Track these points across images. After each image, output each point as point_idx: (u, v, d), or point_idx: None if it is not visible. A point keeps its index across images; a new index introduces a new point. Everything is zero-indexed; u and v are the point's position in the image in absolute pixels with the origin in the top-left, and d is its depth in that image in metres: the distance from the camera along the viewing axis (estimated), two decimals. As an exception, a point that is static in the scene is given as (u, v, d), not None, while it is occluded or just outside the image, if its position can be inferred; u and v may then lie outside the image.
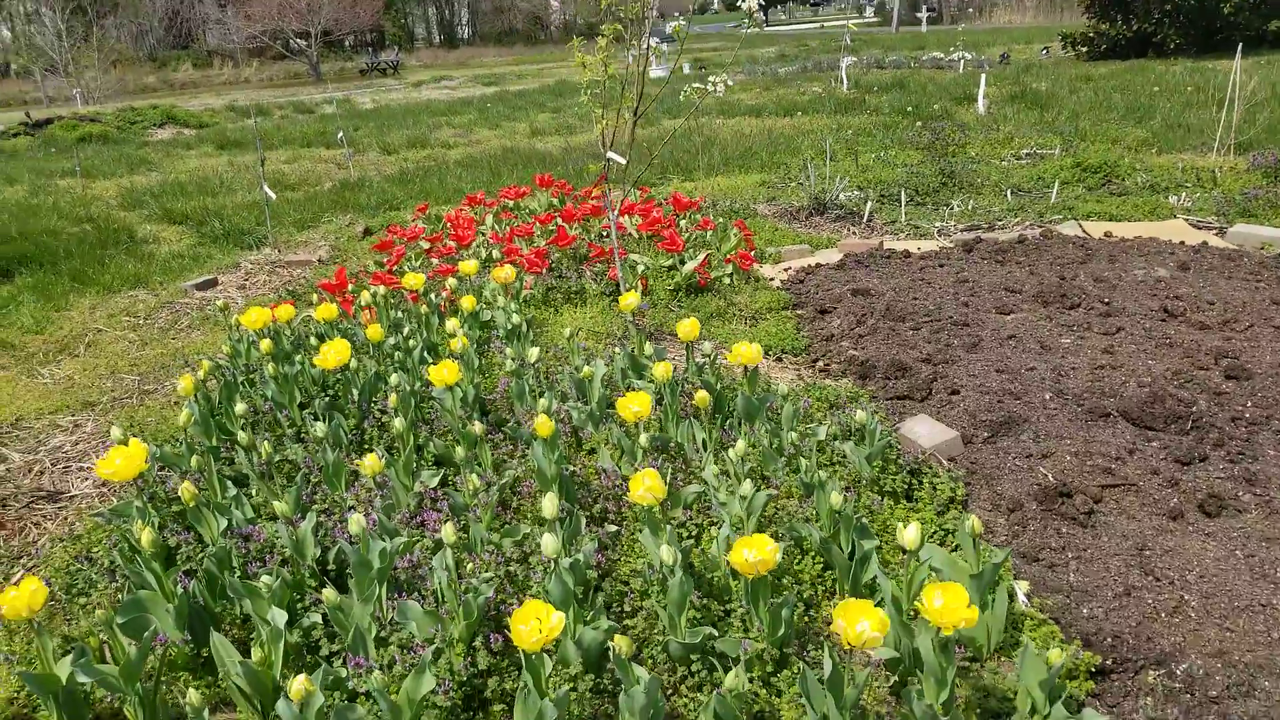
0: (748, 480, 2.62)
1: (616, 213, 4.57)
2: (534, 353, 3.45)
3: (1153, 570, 2.66)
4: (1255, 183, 7.56)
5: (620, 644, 2.01)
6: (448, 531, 2.28)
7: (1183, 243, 5.94)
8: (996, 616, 2.43)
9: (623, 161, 4.45)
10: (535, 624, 1.95)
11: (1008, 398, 3.71)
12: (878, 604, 2.64)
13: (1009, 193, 7.78)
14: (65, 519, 3.31)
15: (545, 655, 2.06)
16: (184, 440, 3.15)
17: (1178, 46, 18.70)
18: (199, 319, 5.62)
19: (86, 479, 3.58)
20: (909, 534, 2.28)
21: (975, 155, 9.60)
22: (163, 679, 2.31)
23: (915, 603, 2.49)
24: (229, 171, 11.55)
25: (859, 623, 1.94)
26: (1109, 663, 2.32)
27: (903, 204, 7.41)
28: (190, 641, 2.38)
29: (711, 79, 4.18)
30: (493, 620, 2.36)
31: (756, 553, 2.21)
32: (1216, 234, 6.31)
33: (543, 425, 2.83)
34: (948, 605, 1.96)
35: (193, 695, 1.89)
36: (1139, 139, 9.92)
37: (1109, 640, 2.38)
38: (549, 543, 2.19)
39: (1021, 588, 2.60)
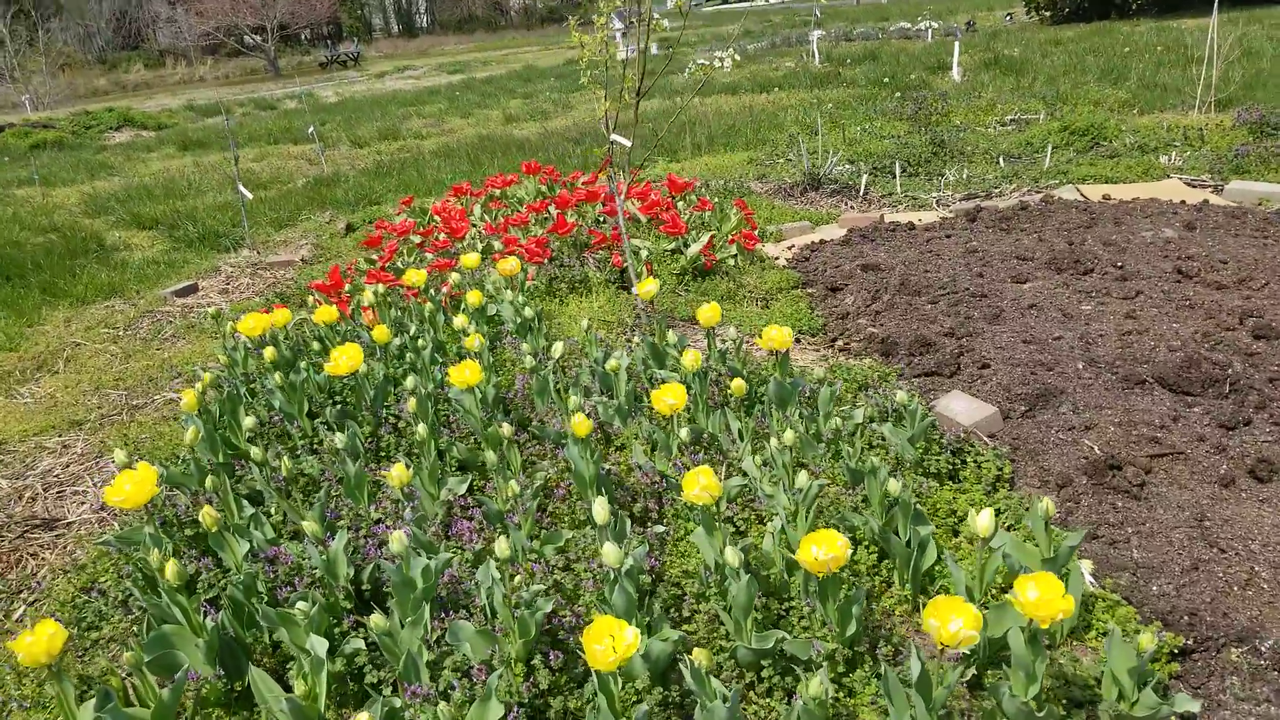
0: (803, 471, 2.49)
1: (624, 197, 4.40)
2: (558, 347, 3.30)
3: (1216, 542, 2.58)
4: (1243, 139, 7.54)
5: (700, 657, 1.88)
6: (501, 546, 2.14)
7: (1183, 202, 5.89)
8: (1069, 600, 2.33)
9: (628, 144, 4.29)
10: (609, 642, 1.81)
11: (1040, 369, 3.62)
12: (936, 594, 2.56)
13: (1001, 160, 7.71)
14: (65, 548, 3.12)
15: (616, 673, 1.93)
16: (190, 458, 2.98)
17: (1140, 7, 18.77)
18: (183, 327, 5.39)
19: (83, 504, 3.39)
20: (982, 521, 2.17)
21: (960, 124, 9.52)
22: (195, 718, 2.16)
23: (991, 592, 2.41)
24: (195, 173, 11.21)
25: (952, 621, 1.82)
26: (1189, 642, 2.23)
27: (897, 176, 7.31)
28: (222, 676, 2.22)
29: (718, 54, 4.02)
30: (548, 635, 2.22)
31: (827, 549, 2.09)
32: (1213, 192, 6.27)
33: (579, 424, 2.69)
34: (1043, 597, 1.85)
35: (244, 741, 1.74)
36: (1119, 100, 9.89)
37: (1186, 618, 2.30)
38: (610, 552, 2.05)
39: (1086, 567, 2.49)
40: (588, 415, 3.19)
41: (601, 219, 5.85)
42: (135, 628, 2.58)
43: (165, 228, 8.01)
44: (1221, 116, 8.51)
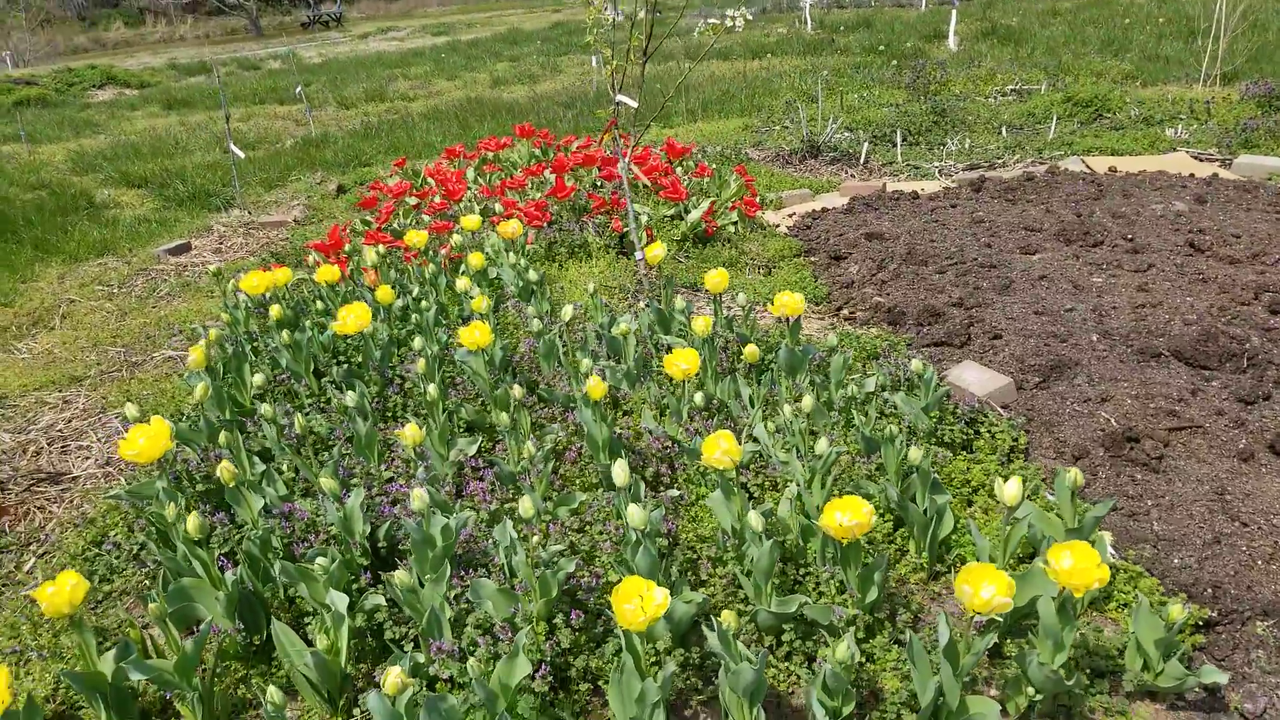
0: (824, 438, 2.46)
1: (629, 160, 4.32)
2: (568, 310, 3.24)
3: (1238, 515, 2.57)
4: (1250, 113, 7.50)
5: (728, 619, 1.85)
6: (525, 506, 2.10)
7: (1192, 175, 5.86)
8: (1090, 570, 2.32)
9: (634, 105, 4.20)
10: (639, 602, 1.78)
11: (1053, 340, 3.60)
12: (952, 562, 2.55)
13: (1003, 130, 7.64)
14: (72, 502, 3.07)
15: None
16: (198, 415, 2.92)
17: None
18: (178, 285, 5.29)
19: (88, 459, 3.32)
20: (1009, 490, 2.14)
21: (959, 93, 9.44)
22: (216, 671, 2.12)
23: (1009, 563, 2.39)
24: (182, 131, 10.99)
25: (985, 588, 1.80)
26: (1214, 614, 2.23)
27: (898, 144, 7.24)
28: (242, 630, 2.19)
29: (729, 13, 3.93)
30: (567, 595, 2.19)
31: (851, 515, 2.06)
32: (1221, 166, 6.24)
33: (594, 387, 2.64)
34: (1078, 566, 1.83)
35: (273, 692, 1.71)
36: (1122, 72, 9.82)
37: (1209, 591, 2.29)
38: (635, 513, 2.02)
39: (1107, 539, 2.48)
40: (598, 379, 3.14)
41: (599, 183, 5.77)
42: (149, 581, 2.54)
43: (155, 186, 7.85)
44: (1228, 90, 8.46)
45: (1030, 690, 1.98)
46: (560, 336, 3.47)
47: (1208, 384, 3.24)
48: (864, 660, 2.12)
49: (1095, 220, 4.97)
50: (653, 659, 2.08)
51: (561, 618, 2.09)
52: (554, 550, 2.22)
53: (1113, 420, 3.04)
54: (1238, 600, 2.25)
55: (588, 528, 2.50)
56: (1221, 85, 8.71)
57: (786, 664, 2.14)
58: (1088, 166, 6.32)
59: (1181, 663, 2.04)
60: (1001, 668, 2.16)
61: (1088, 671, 2.09)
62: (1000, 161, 6.72)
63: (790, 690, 2.10)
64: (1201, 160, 6.40)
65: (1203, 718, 2.01)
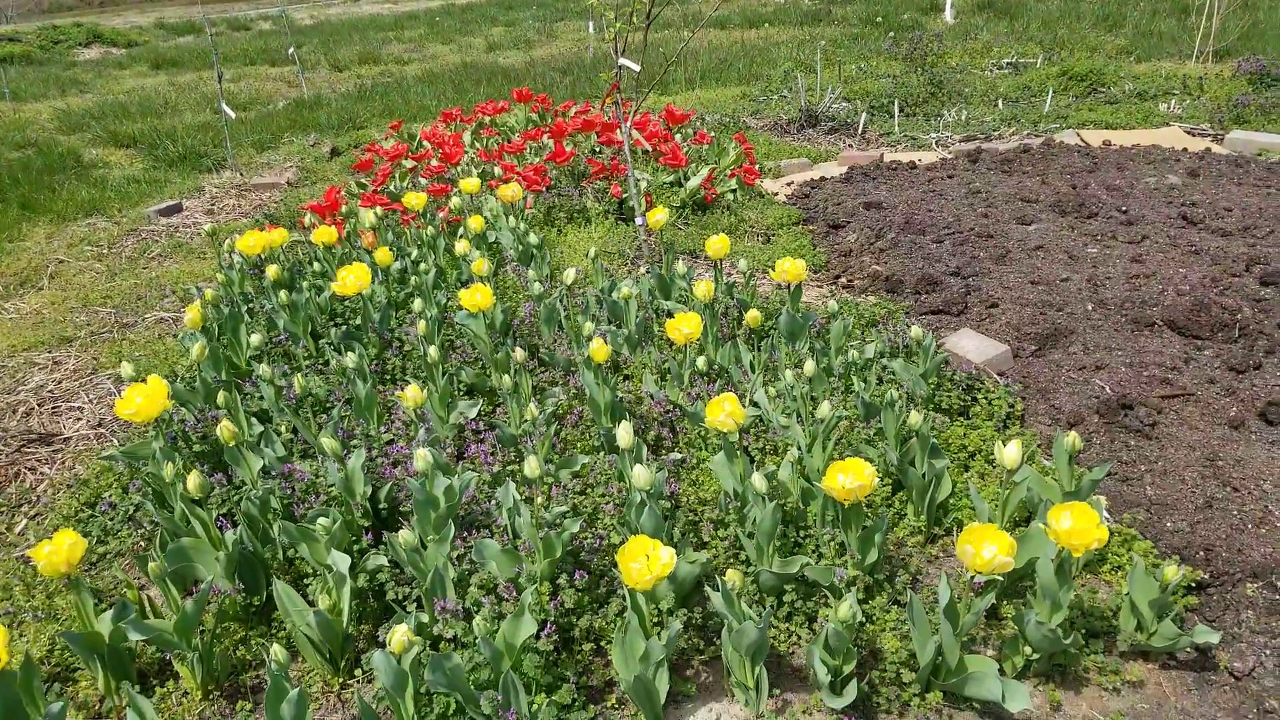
0: (825, 402, 2.47)
1: (630, 125, 4.29)
2: (570, 274, 3.23)
3: (1229, 481, 2.61)
4: (1242, 89, 7.51)
5: (733, 578, 1.87)
6: (531, 466, 2.10)
7: (1185, 150, 5.87)
8: (1086, 533, 2.35)
9: (636, 69, 4.16)
10: (645, 561, 1.80)
11: (1049, 309, 3.61)
12: (950, 526, 2.58)
13: (999, 102, 7.62)
14: (64, 463, 3.05)
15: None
16: (193, 375, 2.90)
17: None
18: (170, 246, 5.24)
19: (79, 420, 3.31)
20: (1009, 453, 2.17)
21: (956, 65, 9.39)
22: (216, 632, 2.13)
23: (1005, 525, 2.42)
24: (171, 91, 10.83)
25: (986, 548, 1.83)
26: (1206, 576, 2.27)
27: (895, 115, 7.22)
28: (242, 590, 2.19)
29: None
30: (571, 556, 2.21)
31: (854, 478, 2.08)
32: (1213, 141, 6.25)
33: (598, 350, 2.65)
34: (1077, 526, 1.86)
35: (278, 650, 1.71)
36: (1117, 47, 9.81)
37: (1201, 553, 2.33)
38: (641, 474, 2.03)
39: (1102, 503, 2.52)
40: (599, 343, 3.14)
41: (598, 149, 5.73)
42: (144, 543, 2.54)
43: (144, 146, 7.75)
44: (1220, 66, 8.46)
45: (1028, 649, 2.02)
46: (561, 301, 3.46)
47: (1200, 353, 3.27)
48: (864, 620, 2.15)
49: (1090, 192, 4.98)
50: (656, 619, 2.10)
51: (565, 578, 2.10)
52: (557, 511, 2.23)
53: (1107, 388, 3.07)
54: (1229, 563, 2.29)
55: (590, 490, 2.51)
56: (1214, 62, 8.71)
57: (787, 624, 2.17)
58: (1083, 140, 6.32)
59: (1175, 623, 2.07)
60: (998, 628, 2.19)
61: (1083, 632, 2.12)
62: (997, 133, 6.71)
63: (791, 650, 2.13)
64: (1194, 135, 6.41)
65: (1194, 676, 2.05)
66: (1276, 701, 1.96)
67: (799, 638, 2.13)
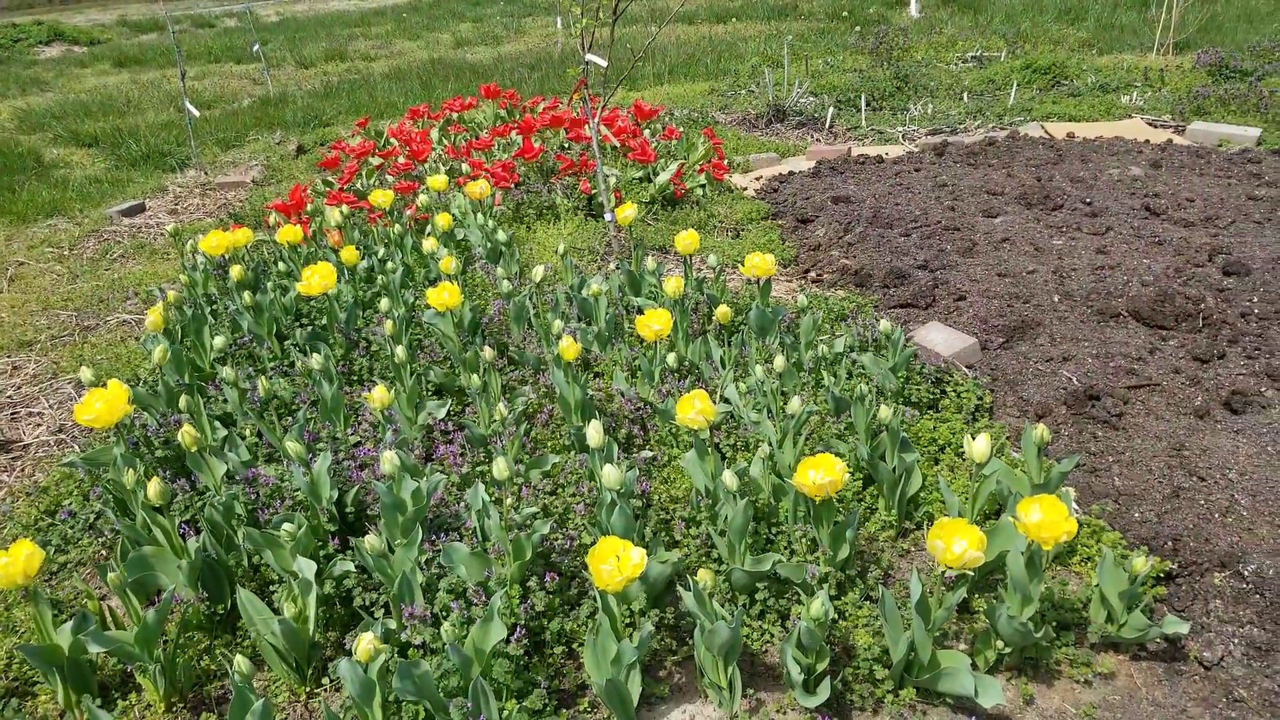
0: (796, 397, 2.47)
1: (597, 121, 4.27)
2: (539, 271, 3.20)
3: (1195, 470, 2.64)
4: (1202, 81, 7.61)
5: (704, 578, 1.86)
6: (500, 467, 2.08)
7: (1148, 141, 5.94)
8: (1054, 525, 2.37)
9: (604, 64, 4.13)
10: (615, 563, 1.78)
11: (1016, 301, 3.64)
12: (920, 519, 2.58)
13: (964, 96, 7.67)
14: (24, 470, 2.98)
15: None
16: (155, 379, 2.84)
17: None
18: (132, 247, 5.14)
19: (39, 426, 3.23)
20: (978, 446, 2.18)
21: (921, 59, 9.44)
22: (179, 642, 2.09)
23: (975, 519, 2.43)
24: (134, 90, 10.62)
25: (956, 543, 1.83)
26: (1174, 566, 2.29)
27: (862, 109, 7.24)
28: (205, 599, 2.14)
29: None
30: (541, 558, 2.19)
31: (824, 473, 2.08)
32: (1175, 132, 6.33)
33: (567, 348, 2.62)
34: (1047, 519, 1.87)
35: (241, 661, 1.67)
36: (1079, 40, 9.91)
37: (1169, 544, 2.35)
38: (610, 474, 2.01)
39: (1070, 495, 2.54)
40: (569, 341, 3.12)
41: (566, 145, 5.69)
42: (106, 551, 2.48)
43: (106, 146, 7.59)
44: (1180, 58, 8.57)
45: (999, 643, 2.03)
46: (530, 298, 3.43)
47: (1165, 343, 3.31)
48: (836, 617, 2.15)
49: (1055, 184, 5.02)
50: (628, 620, 2.09)
51: (535, 581, 2.08)
52: (527, 513, 2.21)
53: (1074, 379, 3.10)
54: (1196, 552, 2.31)
55: (560, 490, 2.49)
56: (1174, 54, 8.82)
57: (760, 622, 2.16)
58: (1047, 132, 6.38)
59: (1144, 614, 2.09)
60: (970, 622, 2.20)
61: (1054, 624, 2.13)
62: (962, 127, 6.75)
63: (764, 649, 2.12)
64: (1156, 127, 6.49)
65: (1164, 667, 2.07)
66: (1245, 691, 1.99)
67: (772, 636, 2.13)
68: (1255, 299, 3.54)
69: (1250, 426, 2.85)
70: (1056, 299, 3.65)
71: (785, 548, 2.35)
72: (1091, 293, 3.67)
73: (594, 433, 2.23)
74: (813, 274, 4.27)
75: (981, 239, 4.33)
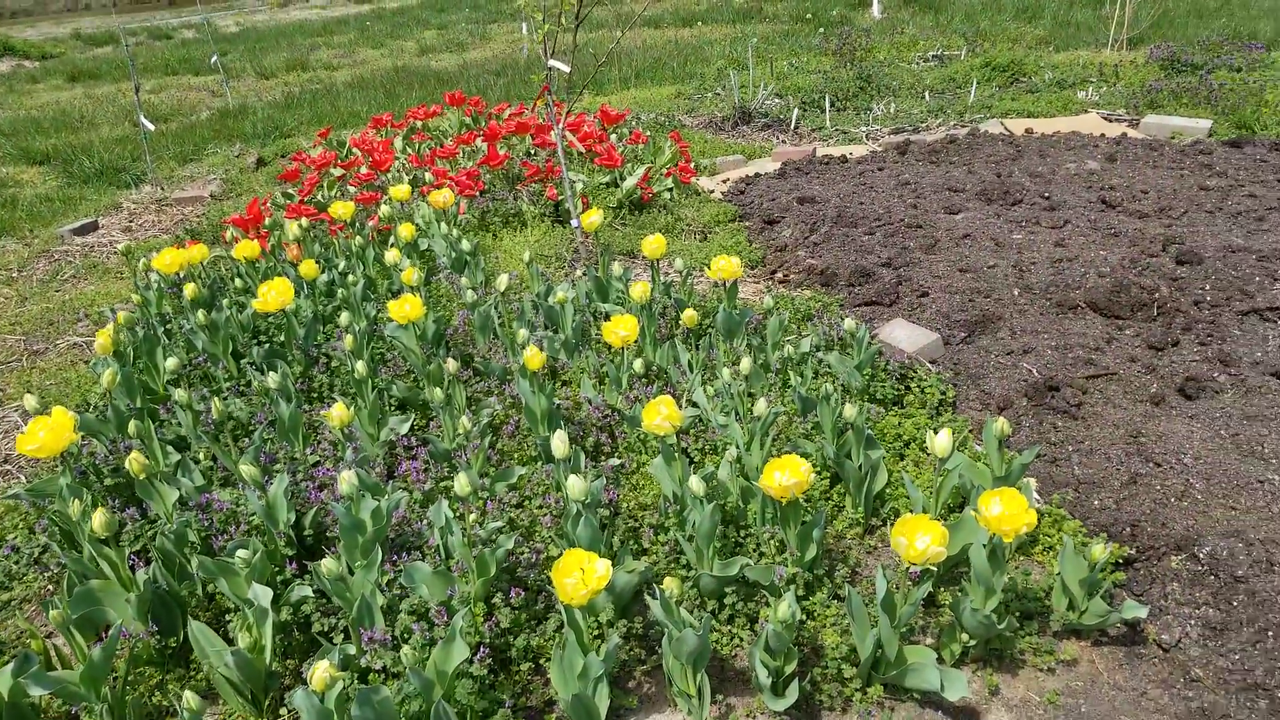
0: (762, 399, 2.46)
1: (562, 126, 4.25)
2: (503, 280, 3.18)
3: (1151, 456, 2.66)
4: (1155, 75, 7.74)
5: (671, 585, 1.85)
6: (461, 483, 2.05)
7: (1103, 135, 6.02)
8: (1018, 518, 2.38)
9: (566, 69, 4.11)
10: (580, 575, 1.76)
11: (977, 296, 3.67)
12: (887, 515, 2.59)
13: (926, 94, 7.74)
14: (-31, 503, 2.90)
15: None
16: (106, 404, 2.77)
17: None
18: (84, 267, 5.04)
19: (-13, 455, 3.15)
20: (940, 441, 2.18)
21: (884, 59, 9.51)
22: (128, 679, 2.03)
23: (941, 512, 2.43)
24: (88, 105, 10.44)
25: (919, 538, 1.83)
26: (1132, 552, 2.31)
27: (827, 110, 7.28)
28: (156, 633, 2.08)
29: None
30: (507, 573, 2.16)
31: (790, 474, 2.08)
32: (1130, 125, 6.43)
33: (531, 358, 2.60)
34: (1007, 512, 1.87)
35: (189, 697, 1.62)
36: (1037, 37, 10.04)
37: (1127, 529, 2.37)
38: (575, 485, 1.99)
39: (1032, 485, 2.55)
40: (533, 350, 3.09)
41: (532, 151, 5.67)
42: (52, 586, 2.41)
43: (58, 163, 7.45)
44: (1134, 54, 8.71)
45: (964, 636, 2.03)
46: (496, 308, 3.41)
47: (1121, 332, 3.35)
48: (805, 618, 2.15)
49: (1014, 180, 5.07)
50: (596, 632, 2.07)
51: (500, 597, 2.05)
52: (492, 528, 2.19)
53: (1034, 371, 3.12)
54: (1154, 537, 2.33)
55: (527, 502, 2.46)
56: (1128, 49, 8.97)
57: (730, 627, 2.15)
58: (1006, 128, 6.45)
59: (1104, 600, 2.11)
60: (936, 616, 2.20)
61: (1017, 614, 2.14)
62: (924, 125, 6.81)
63: (733, 653, 2.11)
64: (1111, 121, 6.59)
65: (1125, 651, 2.08)
66: (1202, 670, 2.01)
67: (741, 640, 2.12)
68: (1207, 287, 3.59)
69: (1204, 412, 2.89)
70: (1016, 292, 3.68)
71: (754, 550, 2.35)
72: (1050, 285, 3.70)
73: (559, 443, 2.21)
74: (779, 274, 4.28)
75: (944, 235, 4.36)
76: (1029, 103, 7.21)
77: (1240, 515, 2.43)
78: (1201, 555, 2.27)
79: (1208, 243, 4.04)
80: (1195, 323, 3.37)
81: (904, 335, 3.38)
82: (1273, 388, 3.00)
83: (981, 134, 6.24)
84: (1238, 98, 6.55)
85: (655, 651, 2.09)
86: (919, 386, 3.07)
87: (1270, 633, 2.05)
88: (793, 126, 6.95)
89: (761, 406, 2.46)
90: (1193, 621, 2.12)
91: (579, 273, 3.77)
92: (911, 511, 2.40)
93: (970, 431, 2.86)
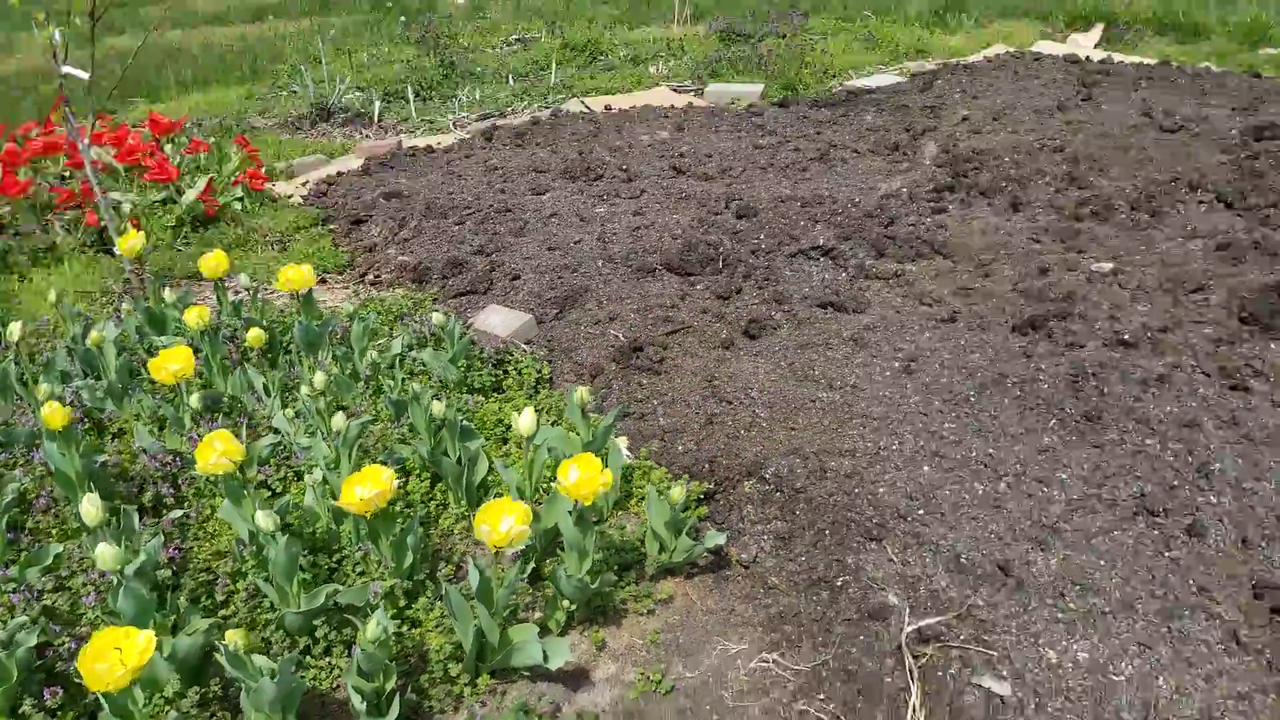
0: (339, 413, 2.31)
1: (87, 141, 3.67)
2: (15, 329, 2.65)
3: (724, 396, 2.92)
4: (715, 47, 8.59)
5: (235, 638, 1.65)
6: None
7: (673, 106, 6.55)
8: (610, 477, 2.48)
9: (84, 76, 3.54)
10: (116, 656, 1.51)
11: (566, 272, 3.79)
12: (496, 498, 2.58)
13: (510, 79, 7.90)
14: None
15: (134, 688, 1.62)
16: None
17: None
18: None
19: None
20: (524, 421, 2.20)
21: (468, 45, 9.57)
22: None
23: (545, 485, 2.46)
24: None
25: (503, 521, 1.82)
26: (711, 485, 2.51)
27: (411, 100, 7.14)
28: None
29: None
30: (41, 671, 1.81)
31: (370, 486, 1.98)
32: (695, 95, 7.07)
33: (52, 414, 2.20)
34: (583, 476, 1.92)
35: None
36: (612, 16, 10.69)
37: (707, 466, 2.57)
38: (106, 553, 1.70)
39: (623, 443, 2.68)
40: (69, 403, 2.65)
41: (68, 174, 4.88)
42: None
43: None
44: (698, 27, 9.60)
45: (565, 603, 2.07)
46: (15, 362, 2.86)
47: (693, 288, 3.65)
48: (408, 627, 2.05)
49: (595, 156, 5.33)
50: (162, 706, 1.80)
51: (31, 703, 1.71)
52: (15, 624, 1.82)
53: (620, 335, 3.29)
54: (728, 469, 2.55)
55: (68, 583, 2.09)
56: (693, 24, 9.88)
57: (328, 659, 1.99)
58: (587, 107, 6.78)
59: (690, 536, 2.26)
60: (544, 590, 2.23)
61: (616, 568, 2.23)
62: (510, 109, 6.94)
63: (335, 685, 1.96)
64: (679, 92, 7.20)
65: (714, 577, 2.25)
66: (777, 578, 2.23)
67: (341, 670, 1.97)
68: (762, 236, 4.04)
69: (766, 349, 3.23)
70: (601, 264, 3.86)
71: (353, 571, 2.20)
72: (630, 253, 3.93)
73: (88, 509, 1.89)
74: (370, 276, 4.10)
75: (532, 217, 4.46)
76: (606, 80, 7.64)
77: (798, 434, 2.74)
78: (768, 475, 2.52)
79: (761, 196, 4.54)
80: (754, 270, 3.76)
81: (498, 321, 3.39)
82: (819, 317, 3.44)
83: (564, 114, 6.49)
84: (783, 62, 7.43)
85: (240, 709, 1.87)
86: (516, 369, 3.10)
87: (827, 531, 2.33)
88: (376, 120, 6.73)
89: (339, 421, 2.31)
90: (765, 536, 2.34)
91: (126, 306, 3.30)
92: (511, 495, 2.40)
93: (565, 405, 2.93)
